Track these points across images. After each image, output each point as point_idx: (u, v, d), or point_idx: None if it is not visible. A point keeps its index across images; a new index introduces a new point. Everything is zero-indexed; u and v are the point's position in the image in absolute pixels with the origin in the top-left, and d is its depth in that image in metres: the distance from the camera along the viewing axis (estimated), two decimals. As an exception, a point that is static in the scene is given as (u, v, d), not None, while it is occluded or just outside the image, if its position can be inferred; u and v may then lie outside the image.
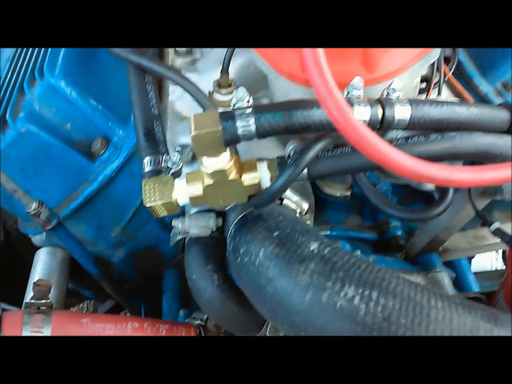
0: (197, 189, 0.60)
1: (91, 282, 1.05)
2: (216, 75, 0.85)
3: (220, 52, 0.93)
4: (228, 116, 0.55)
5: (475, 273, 1.17)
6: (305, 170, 0.60)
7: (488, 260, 1.64)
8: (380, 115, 0.57)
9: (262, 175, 0.60)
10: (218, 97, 0.84)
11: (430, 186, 0.71)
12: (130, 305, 1.11)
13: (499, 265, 1.64)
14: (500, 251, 1.54)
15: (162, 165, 0.64)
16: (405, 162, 0.45)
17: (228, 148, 0.57)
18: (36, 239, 1.11)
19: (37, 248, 1.03)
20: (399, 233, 1.01)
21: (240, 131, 0.55)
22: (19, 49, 0.98)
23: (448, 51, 0.92)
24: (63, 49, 0.86)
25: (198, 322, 0.86)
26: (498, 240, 0.74)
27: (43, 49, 0.89)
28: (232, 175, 0.58)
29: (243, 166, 0.61)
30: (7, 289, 1.03)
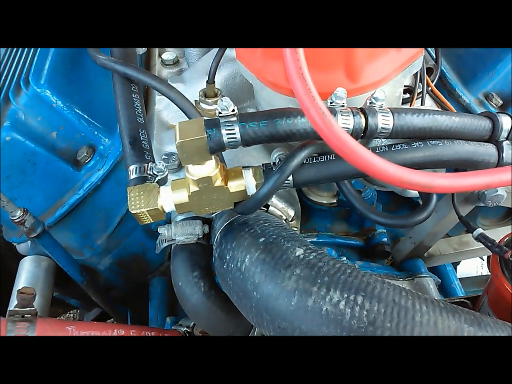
0: (182, 196, 0.60)
1: (77, 291, 1.04)
2: (202, 85, 0.85)
3: (206, 63, 0.94)
4: (213, 124, 0.56)
5: (461, 279, 1.18)
6: (291, 177, 0.60)
7: (473, 266, 1.66)
8: (363, 124, 0.58)
9: (247, 182, 0.61)
10: (204, 106, 0.85)
11: (413, 193, 0.72)
12: (117, 313, 1.10)
13: (485, 271, 1.66)
14: (485, 257, 1.56)
15: (148, 173, 0.65)
16: (387, 169, 0.45)
17: (213, 156, 0.57)
18: (21, 247, 1.10)
19: (22, 256, 1.02)
20: (385, 239, 1.02)
21: (225, 138, 0.56)
22: (5, 59, 0.98)
23: (431, 62, 0.94)
24: (48, 59, 0.86)
25: (185, 329, 0.86)
26: (482, 245, 0.76)
27: (28, 58, 0.89)
28: (218, 182, 0.59)
29: (229, 174, 0.61)
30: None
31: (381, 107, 0.60)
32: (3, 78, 0.91)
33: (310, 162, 0.61)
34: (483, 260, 1.65)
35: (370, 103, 0.61)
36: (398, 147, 0.62)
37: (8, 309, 0.76)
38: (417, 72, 0.82)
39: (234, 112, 0.57)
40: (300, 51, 0.47)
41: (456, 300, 0.86)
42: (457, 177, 0.48)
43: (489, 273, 0.76)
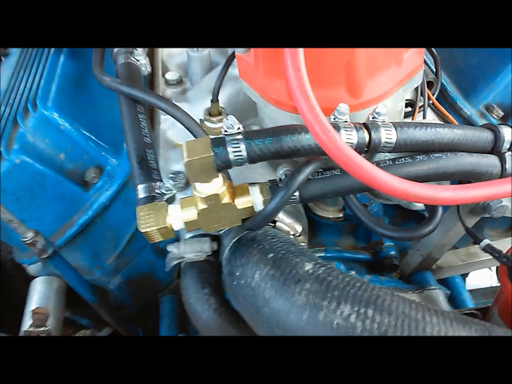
0: (191, 213, 0.61)
1: (88, 310, 1.04)
2: (206, 104, 0.87)
3: (209, 82, 0.96)
4: (219, 143, 0.57)
5: (470, 291, 1.18)
6: (297, 193, 0.61)
7: (482, 278, 1.65)
8: (367, 139, 0.59)
9: (254, 199, 0.61)
10: (209, 124, 0.86)
11: (419, 206, 0.72)
12: (128, 332, 1.10)
13: (494, 282, 1.64)
14: (494, 268, 1.55)
15: (156, 192, 0.66)
16: (392, 182, 0.46)
17: (220, 174, 0.58)
18: (32, 268, 1.10)
19: (31, 278, 1.02)
20: (393, 252, 1.02)
21: (231, 156, 0.57)
22: (12, 79, 1.00)
23: (431, 76, 0.95)
24: (55, 81, 0.88)
25: (195, 347, 0.85)
26: (489, 256, 0.76)
27: (35, 82, 0.91)
28: (225, 199, 0.60)
29: (236, 191, 0.62)
30: (1, 319, 1.02)
31: (384, 121, 0.61)
32: (10, 101, 0.93)
33: (316, 177, 0.62)
34: (492, 271, 1.65)
35: (372, 118, 0.62)
36: (401, 161, 0.62)
37: (22, 329, 0.77)
38: (418, 86, 0.83)
39: (239, 130, 0.58)
40: (302, 68, 0.48)
41: (466, 312, 0.86)
42: (462, 189, 0.48)
43: (498, 284, 0.76)
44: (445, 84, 0.97)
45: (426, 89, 0.89)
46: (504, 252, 0.73)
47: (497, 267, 1.08)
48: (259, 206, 0.62)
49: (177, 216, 0.61)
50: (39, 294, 0.95)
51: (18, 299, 1.32)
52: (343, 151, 0.45)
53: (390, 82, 0.68)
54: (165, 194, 0.64)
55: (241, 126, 0.58)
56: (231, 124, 0.58)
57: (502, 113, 0.94)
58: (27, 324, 0.74)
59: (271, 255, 0.60)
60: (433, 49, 0.92)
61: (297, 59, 0.49)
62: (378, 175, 0.45)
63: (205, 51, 0.98)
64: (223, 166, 0.57)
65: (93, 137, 0.88)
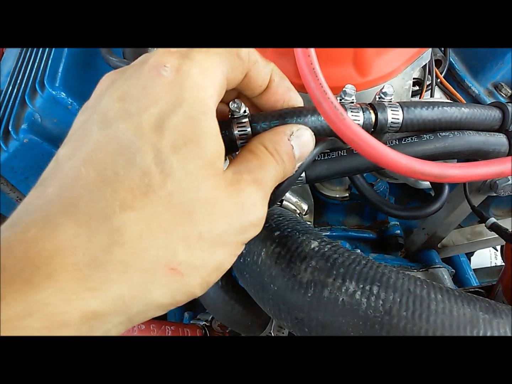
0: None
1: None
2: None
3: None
4: (225, 126, 0.57)
5: (475, 270, 1.19)
6: (303, 174, 0.61)
7: (487, 257, 1.66)
8: (373, 119, 0.59)
9: (262, 179, 0.62)
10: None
11: (425, 184, 0.72)
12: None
13: (498, 261, 1.65)
14: (499, 248, 1.56)
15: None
16: (400, 160, 0.46)
17: (227, 157, 0.58)
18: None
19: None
20: (398, 231, 1.03)
21: (238, 139, 0.57)
22: (19, 63, 1.00)
23: (439, 54, 0.94)
24: (62, 61, 0.88)
25: (203, 323, 0.87)
26: (495, 235, 0.76)
27: (43, 61, 0.91)
28: (233, 180, 0.60)
29: (243, 171, 0.62)
30: None
31: (390, 101, 0.61)
32: (18, 82, 0.94)
33: (322, 158, 0.62)
34: (497, 250, 1.65)
35: (379, 98, 0.61)
36: (408, 140, 0.62)
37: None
38: (426, 65, 0.83)
39: (245, 113, 0.58)
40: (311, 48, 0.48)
41: (471, 290, 0.86)
42: (469, 166, 0.48)
43: (503, 263, 0.77)
44: (453, 62, 0.96)
45: (434, 68, 0.88)
46: (510, 230, 0.73)
47: (501, 246, 1.09)
48: (266, 186, 0.62)
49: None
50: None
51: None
52: (351, 128, 0.45)
53: (398, 60, 0.68)
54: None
55: (247, 108, 0.58)
56: (237, 107, 0.58)
57: (510, 92, 0.93)
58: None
59: (278, 233, 0.60)
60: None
61: (305, 37, 0.49)
62: (386, 153, 0.46)
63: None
64: (230, 150, 0.57)
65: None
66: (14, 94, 0.90)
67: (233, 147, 0.57)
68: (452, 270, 0.95)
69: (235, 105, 0.58)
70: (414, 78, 0.86)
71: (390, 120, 0.59)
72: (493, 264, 1.65)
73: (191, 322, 0.91)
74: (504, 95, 0.93)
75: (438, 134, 0.62)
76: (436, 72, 0.90)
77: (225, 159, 0.58)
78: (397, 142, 0.62)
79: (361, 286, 0.52)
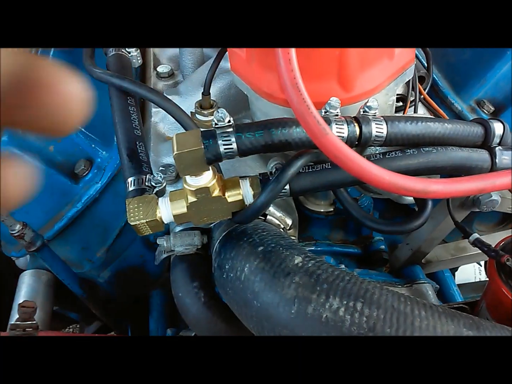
0: (181, 206, 0.61)
1: (77, 304, 1.04)
2: (198, 97, 0.86)
3: (201, 75, 0.95)
4: (210, 135, 0.56)
5: (459, 285, 1.19)
6: (287, 186, 0.61)
7: (471, 272, 1.67)
8: (357, 132, 0.59)
9: (245, 192, 0.61)
10: (200, 117, 0.86)
11: (409, 199, 0.72)
12: (117, 326, 1.10)
13: (483, 276, 1.66)
14: (483, 263, 1.57)
15: (146, 185, 0.65)
16: (383, 176, 0.46)
17: (210, 167, 0.58)
18: (20, 262, 1.10)
19: (20, 271, 1.02)
20: (383, 246, 1.03)
21: (222, 149, 0.56)
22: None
23: (422, 71, 0.95)
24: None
25: (185, 340, 0.86)
26: (478, 251, 0.76)
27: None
28: (216, 192, 0.59)
29: (226, 184, 0.62)
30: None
31: (375, 115, 0.61)
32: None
33: (306, 171, 0.62)
34: (481, 266, 1.66)
35: (363, 111, 0.62)
36: (392, 155, 0.63)
37: (9, 323, 0.76)
38: (409, 81, 0.84)
39: (230, 123, 0.58)
40: (294, 60, 0.48)
41: (455, 306, 0.86)
42: (452, 182, 0.49)
43: (487, 279, 0.77)
44: (436, 79, 0.97)
45: (418, 84, 0.89)
46: (493, 246, 0.74)
47: (485, 262, 1.09)
48: (249, 199, 0.61)
49: (167, 209, 0.61)
50: (28, 287, 0.94)
51: (6, 293, 1.31)
52: (333, 144, 0.45)
53: (382, 75, 0.68)
54: (155, 187, 0.64)
55: (231, 119, 0.58)
56: (222, 117, 0.58)
57: (493, 108, 0.94)
58: (14, 317, 0.74)
59: (261, 248, 0.60)
60: (424, 44, 0.92)
61: (288, 51, 0.49)
62: (369, 168, 0.45)
63: (197, 45, 0.97)
64: (214, 159, 0.57)
65: (83, 129, 0.88)
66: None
67: (218, 157, 0.57)
68: (437, 285, 0.95)
69: (220, 115, 0.58)
70: (397, 94, 0.87)
71: (374, 133, 0.59)
72: (477, 280, 1.65)
73: (173, 338, 0.90)
74: (486, 112, 0.95)
75: (421, 149, 0.63)
76: (419, 88, 0.91)
77: (208, 169, 0.58)
78: (381, 157, 0.62)
79: (345, 302, 0.51)
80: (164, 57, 1.14)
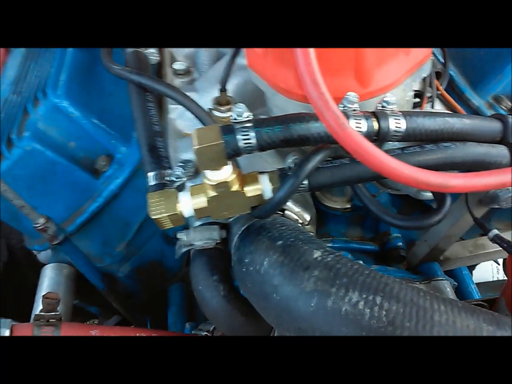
0: (201, 201, 0.61)
1: (97, 298, 1.06)
2: (214, 94, 0.87)
3: (217, 72, 0.96)
4: (229, 130, 0.57)
5: (477, 284, 1.18)
6: (306, 181, 0.61)
7: (489, 271, 1.65)
8: (376, 127, 0.59)
9: (264, 187, 0.62)
10: (217, 114, 0.86)
11: (428, 195, 0.72)
12: (137, 320, 1.11)
13: (500, 276, 1.64)
14: (501, 261, 1.55)
15: (166, 179, 0.66)
16: (403, 169, 0.46)
17: (230, 161, 0.59)
18: (42, 256, 1.12)
19: (41, 266, 1.03)
20: (400, 243, 1.02)
21: (241, 144, 0.57)
22: (22, 72, 1.01)
23: (439, 66, 0.94)
24: (65, 71, 0.89)
25: (205, 333, 0.87)
26: (497, 248, 0.76)
27: (46, 71, 0.92)
28: (235, 187, 0.60)
29: (245, 179, 0.62)
30: (11, 308, 1.04)
31: (393, 110, 0.61)
32: (21, 90, 0.94)
33: (325, 166, 0.62)
34: (499, 264, 1.64)
35: (381, 106, 0.62)
36: (410, 150, 0.63)
37: (33, 313, 0.78)
38: (426, 77, 0.83)
39: (249, 118, 0.59)
40: (312, 55, 0.48)
41: (473, 303, 0.86)
42: (472, 176, 0.49)
43: (505, 278, 0.76)
44: (453, 75, 0.96)
45: (435, 80, 0.88)
46: (512, 242, 0.73)
47: (504, 260, 1.08)
48: (268, 194, 0.62)
49: (187, 203, 0.62)
50: (50, 280, 0.96)
51: (28, 288, 1.34)
52: (353, 138, 0.45)
53: (399, 71, 0.68)
54: (175, 181, 0.65)
55: (250, 114, 0.59)
56: (241, 112, 0.58)
57: (510, 104, 0.93)
58: (38, 308, 0.75)
59: (280, 242, 0.60)
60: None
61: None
62: (389, 162, 0.46)
63: (213, 42, 0.98)
64: (233, 154, 0.57)
65: (103, 126, 0.89)
66: (17, 102, 0.90)
67: (237, 152, 0.58)
68: (455, 283, 0.94)
69: (238, 110, 0.58)
70: (414, 91, 0.86)
71: (392, 128, 0.59)
72: (495, 279, 1.64)
73: (192, 332, 0.91)
74: (504, 108, 0.94)
75: (440, 144, 0.62)
76: (436, 84, 0.90)
77: (228, 164, 0.59)
78: (400, 152, 0.62)
79: (364, 296, 0.51)
80: (180, 54, 1.15)
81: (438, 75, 0.94)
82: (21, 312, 0.91)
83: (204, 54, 1.04)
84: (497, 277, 1.67)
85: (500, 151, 0.65)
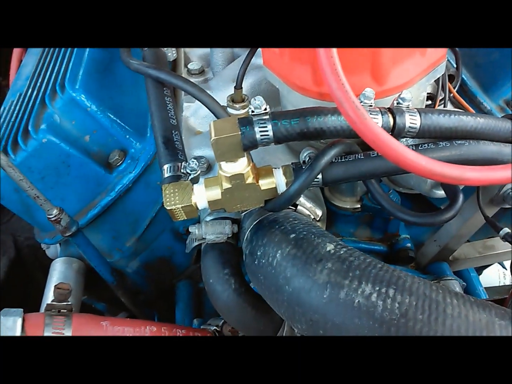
0: (215, 193, 0.62)
1: (105, 293, 1.06)
2: (228, 92, 0.88)
3: (231, 71, 0.97)
4: (247, 122, 0.58)
5: (484, 288, 1.17)
6: (320, 176, 0.62)
7: (495, 277, 1.64)
8: (391, 123, 0.60)
9: (278, 180, 0.62)
10: (232, 111, 0.87)
11: (440, 193, 0.72)
12: (144, 316, 1.11)
13: (507, 281, 1.64)
14: (508, 266, 1.54)
15: (181, 171, 0.67)
16: (420, 161, 0.47)
17: (245, 154, 0.59)
18: (51, 251, 1.12)
19: (48, 264, 1.03)
20: (409, 244, 1.02)
21: (258, 136, 0.58)
22: (39, 67, 1.02)
23: (452, 69, 0.95)
24: (83, 66, 0.90)
25: (214, 328, 0.87)
26: (506, 249, 0.76)
27: (63, 66, 0.93)
28: (250, 179, 0.61)
29: (260, 172, 0.63)
30: (16, 305, 1.04)
31: (408, 107, 0.62)
32: (38, 84, 0.95)
33: (339, 160, 0.63)
34: (506, 269, 1.64)
35: (397, 103, 0.62)
36: (425, 146, 0.63)
37: (44, 303, 0.78)
38: (438, 79, 0.84)
39: (266, 111, 0.59)
40: (334, 52, 0.49)
41: (482, 302, 0.86)
42: (488, 170, 0.49)
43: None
44: (465, 78, 0.97)
45: (447, 82, 0.89)
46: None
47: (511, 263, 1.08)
48: (282, 187, 0.63)
49: (202, 195, 0.62)
50: (59, 274, 0.97)
51: (34, 284, 1.35)
52: (371, 128, 0.46)
53: (414, 70, 0.69)
54: (189, 174, 0.65)
55: (268, 107, 0.60)
56: (259, 105, 0.59)
57: (522, 108, 0.94)
58: (49, 299, 0.76)
59: (293, 235, 0.61)
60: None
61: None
62: (406, 153, 0.46)
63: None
64: (250, 146, 0.58)
65: (118, 120, 0.90)
66: (34, 95, 0.91)
67: (254, 143, 0.58)
68: (464, 283, 0.94)
69: (257, 103, 0.59)
70: (427, 93, 0.87)
71: (408, 124, 0.60)
72: (501, 284, 1.63)
73: (201, 327, 0.91)
74: (516, 112, 0.94)
75: (454, 142, 0.63)
76: (449, 87, 0.91)
77: (244, 156, 0.59)
78: (414, 148, 0.63)
79: (377, 288, 0.51)
80: (194, 55, 1.16)
81: (450, 78, 0.94)
82: (26, 308, 0.91)
83: (219, 55, 1.06)
84: (504, 283, 1.66)
85: (514, 150, 0.65)
